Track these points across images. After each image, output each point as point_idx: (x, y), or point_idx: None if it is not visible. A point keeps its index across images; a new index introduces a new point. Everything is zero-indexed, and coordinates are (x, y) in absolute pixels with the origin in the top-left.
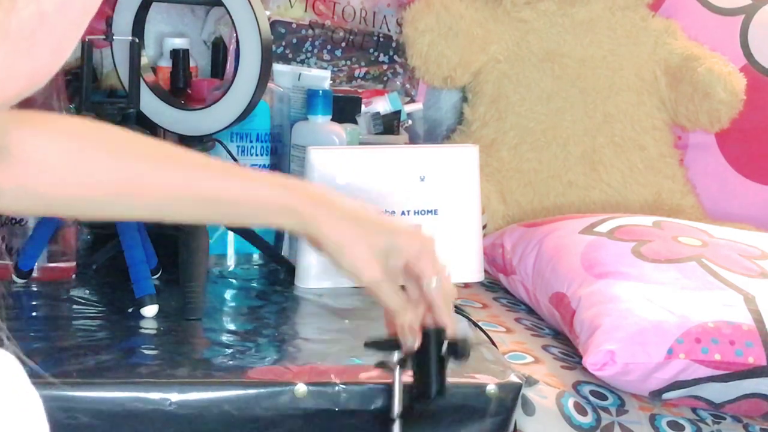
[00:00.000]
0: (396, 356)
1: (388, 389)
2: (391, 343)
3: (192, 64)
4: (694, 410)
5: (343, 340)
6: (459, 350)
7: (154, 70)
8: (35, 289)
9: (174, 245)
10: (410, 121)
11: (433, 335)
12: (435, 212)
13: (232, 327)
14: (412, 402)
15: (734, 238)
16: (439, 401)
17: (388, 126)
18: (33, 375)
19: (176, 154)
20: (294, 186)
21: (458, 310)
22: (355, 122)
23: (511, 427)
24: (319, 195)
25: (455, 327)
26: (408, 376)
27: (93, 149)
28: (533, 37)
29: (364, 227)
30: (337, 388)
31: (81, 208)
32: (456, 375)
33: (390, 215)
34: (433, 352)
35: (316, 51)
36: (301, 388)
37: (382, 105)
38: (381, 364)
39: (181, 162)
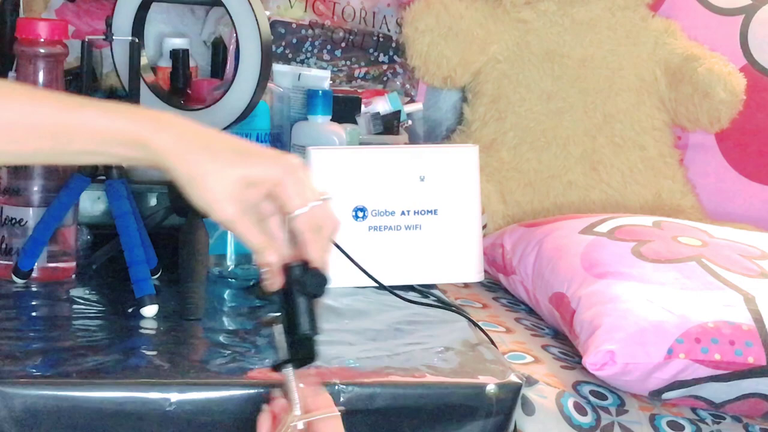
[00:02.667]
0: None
1: (382, 388)
2: (262, 290)
3: (192, 64)
4: (694, 410)
5: (343, 340)
6: (307, 284)
7: (154, 70)
8: (35, 289)
9: (174, 245)
10: (410, 121)
11: (290, 272)
12: (435, 212)
13: (231, 327)
14: (292, 347)
15: (734, 238)
16: (313, 339)
17: (388, 126)
18: (33, 375)
19: (13, 88)
20: (139, 114)
21: (458, 310)
22: (355, 122)
23: (511, 427)
24: (167, 122)
25: (325, 262)
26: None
27: None
28: (533, 37)
29: (217, 157)
30: (337, 388)
31: None
32: (456, 375)
33: (249, 140)
34: (295, 289)
35: (315, 51)
36: None
37: (381, 105)
38: (265, 321)
39: (19, 95)
